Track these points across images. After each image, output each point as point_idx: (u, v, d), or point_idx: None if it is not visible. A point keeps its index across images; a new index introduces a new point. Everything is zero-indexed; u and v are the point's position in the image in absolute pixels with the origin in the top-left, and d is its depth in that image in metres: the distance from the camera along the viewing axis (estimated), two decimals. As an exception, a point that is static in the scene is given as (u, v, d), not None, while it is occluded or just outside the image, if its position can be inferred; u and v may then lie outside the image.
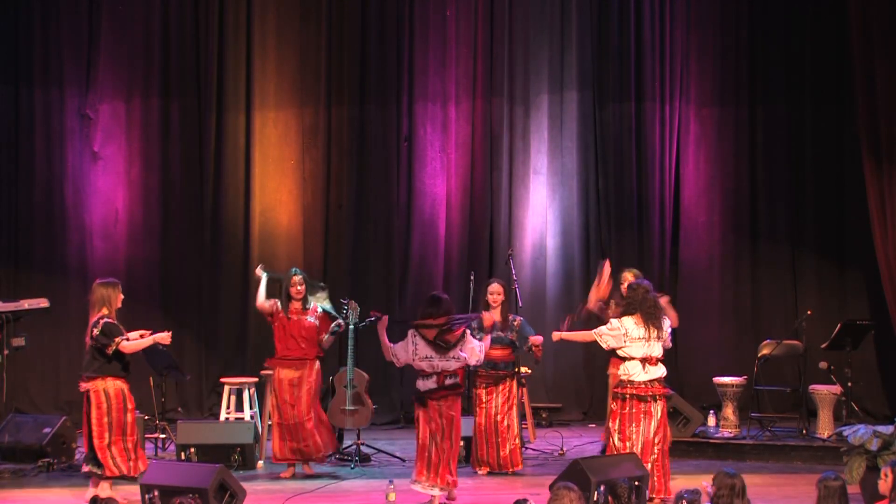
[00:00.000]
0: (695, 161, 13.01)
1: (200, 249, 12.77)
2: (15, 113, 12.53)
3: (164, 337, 8.88)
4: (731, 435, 10.89)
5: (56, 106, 12.54)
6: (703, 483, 6.43)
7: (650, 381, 8.63)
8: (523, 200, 13.05)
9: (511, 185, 13.06)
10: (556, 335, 9.22)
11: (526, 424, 11.05)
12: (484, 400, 9.95)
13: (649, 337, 8.62)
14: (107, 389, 8.70)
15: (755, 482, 9.41)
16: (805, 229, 13.00)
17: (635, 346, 8.63)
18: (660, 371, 8.69)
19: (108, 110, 12.61)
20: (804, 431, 10.97)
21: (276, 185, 12.86)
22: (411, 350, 8.48)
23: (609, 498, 6.45)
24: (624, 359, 8.66)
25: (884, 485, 6.58)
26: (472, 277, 11.83)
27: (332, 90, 12.85)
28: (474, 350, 8.58)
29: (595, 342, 8.93)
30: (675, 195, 13.01)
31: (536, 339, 9.88)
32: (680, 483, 8.41)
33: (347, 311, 10.28)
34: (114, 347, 8.64)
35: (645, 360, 8.63)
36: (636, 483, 7.53)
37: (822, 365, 11.27)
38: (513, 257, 12.08)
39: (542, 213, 13.05)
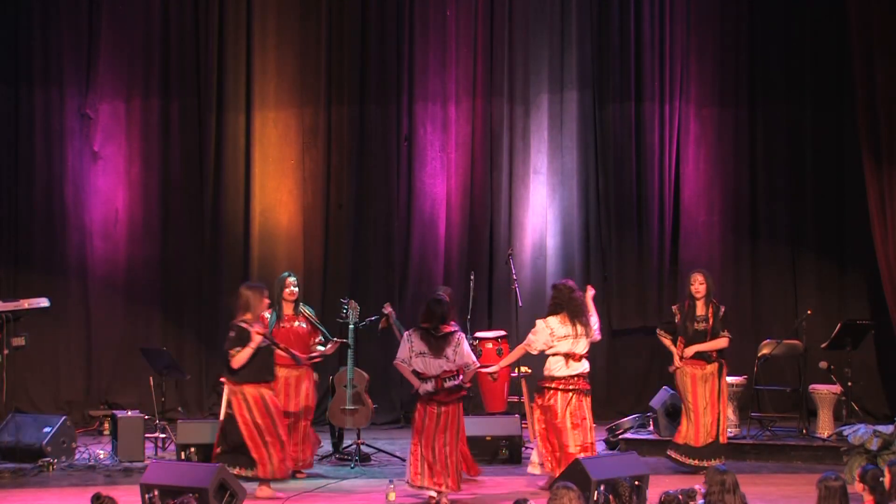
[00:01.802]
0: (695, 161, 13.01)
1: (200, 249, 12.76)
2: (15, 113, 12.52)
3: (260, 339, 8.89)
4: (731, 435, 10.87)
5: (56, 106, 12.53)
6: (696, 486, 6.43)
7: (571, 376, 9.09)
8: (523, 200, 13.04)
9: (511, 185, 13.05)
10: (487, 371, 9.87)
11: (526, 424, 11.05)
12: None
13: (576, 334, 9.10)
14: (244, 393, 8.80)
15: (755, 482, 9.42)
16: (805, 229, 12.99)
17: (562, 343, 9.08)
18: (582, 367, 9.15)
19: (108, 110, 12.60)
20: (804, 431, 10.97)
21: (276, 185, 12.86)
22: (408, 347, 8.53)
23: (610, 497, 6.45)
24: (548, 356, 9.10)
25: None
26: (472, 277, 11.84)
27: (332, 90, 12.85)
28: (468, 354, 8.60)
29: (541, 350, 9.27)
30: (675, 195, 13.00)
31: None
32: (680, 483, 8.40)
33: (347, 310, 10.29)
34: (232, 360, 8.73)
35: (568, 356, 9.08)
36: (637, 482, 7.52)
37: (822, 365, 11.27)
38: (513, 257, 12.10)
39: (542, 213, 13.05)
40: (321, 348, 9.90)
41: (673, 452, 9.97)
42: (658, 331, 10.18)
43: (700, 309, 9.94)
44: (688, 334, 9.91)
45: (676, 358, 9.94)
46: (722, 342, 9.94)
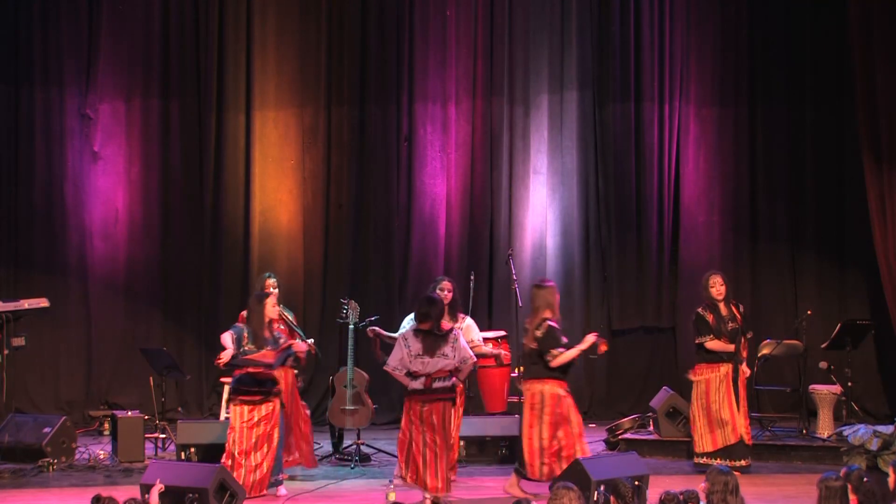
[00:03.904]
0: (695, 161, 13.01)
1: (200, 249, 12.76)
2: (15, 113, 12.52)
3: (597, 341, 8.97)
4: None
5: (56, 106, 12.53)
6: (701, 485, 6.43)
7: None
8: (523, 200, 13.04)
9: (511, 185, 13.05)
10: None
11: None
12: (245, 417, 8.99)
13: None
14: (543, 391, 8.79)
15: (755, 482, 9.42)
16: (805, 229, 12.99)
17: None
18: None
19: (108, 110, 12.61)
20: (804, 431, 10.96)
21: (276, 185, 12.86)
22: (405, 352, 8.44)
23: (612, 498, 6.46)
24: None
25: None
26: (472, 277, 11.83)
27: (332, 90, 12.85)
28: (465, 349, 8.55)
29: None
30: (675, 195, 13.01)
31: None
32: (680, 483, 8.40)
33: (347, 310, 10.28)
34: (553, 361, 8.73)
35: None
36: (637, 482, 7.52)
37: (822, 365, 11.28)
38: (513, 257, 12.08)
39: (542, 213, 13.05)
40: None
41: (698, 459, 9.85)
42: (708, 344, 9.81)
43: (723, 310, 9.87)
44: (724, 335, 9.80)
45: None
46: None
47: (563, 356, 8.75)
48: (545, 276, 9.42)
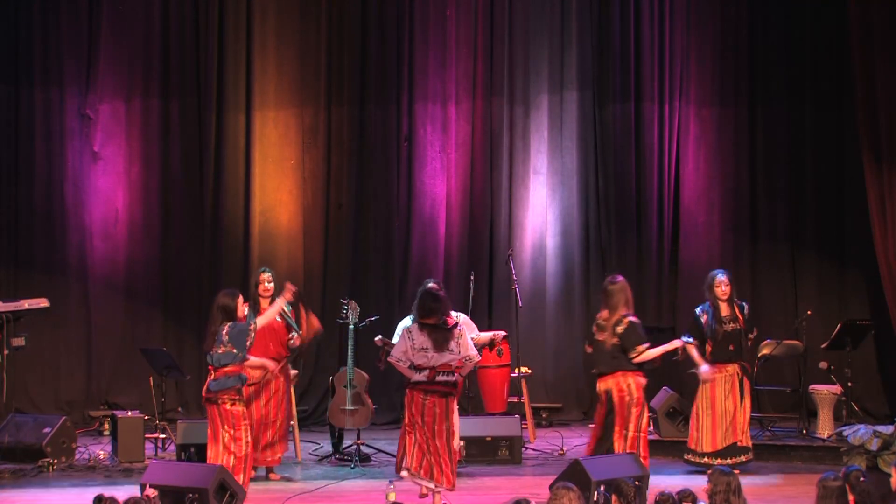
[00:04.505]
0: (695, 161, 13.01)
1: (200, 249, 12.76)
2: (15, 113, 12.51)
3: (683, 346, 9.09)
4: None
5: (56, 106, 12.53)
6: (703, 487, 6.43)
7: None
8: (523, 200, 13.04)
9: (511, 185, 13.05)
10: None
11: (526, 424, 11.04)
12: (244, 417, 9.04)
13: None
14: (629, 384, 8.82)
15: (755, 482, 9.42)
16: (805, 229, 13.00)
17: None
18: None
19: (108, 110, 12.60)
20: (804, 431, 10.97)
21: (276, 185, 12.86)
22: (409, 344, 8.35)
23: (613, 497, 6.46)
24: None
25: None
26: (472, 277, 11.83)
27: (332, 90, 12.85)
28: (469, 346, 8.50)
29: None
30: (674, 195, 13.01)
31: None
32: (679, 483, 8.41)
33: (347, 311, 10.28)
34: (636, 357, 8.77)
35: None
36: (636, 482, 7.52)
37: (822, 365, 11.29)
38: (513, 257, 12.10)
39: (542, 213, 13.05)
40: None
41: (690, 456, 9.84)
42: (645, 353, 9.39)
43: (725, 310, 9.77)
44: (717, 337, 9.69)
45: (704, 368, 9.61)
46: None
47: (647, 353, 8.80)
48: (616, 274, 9.34)
